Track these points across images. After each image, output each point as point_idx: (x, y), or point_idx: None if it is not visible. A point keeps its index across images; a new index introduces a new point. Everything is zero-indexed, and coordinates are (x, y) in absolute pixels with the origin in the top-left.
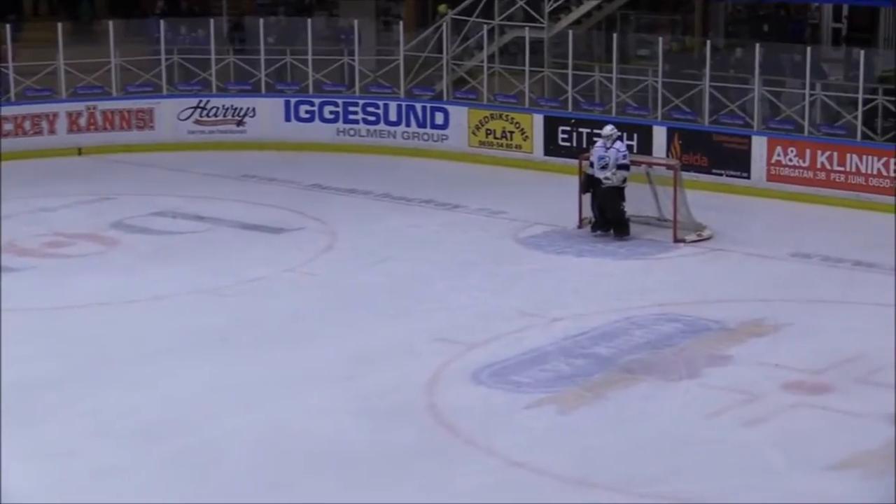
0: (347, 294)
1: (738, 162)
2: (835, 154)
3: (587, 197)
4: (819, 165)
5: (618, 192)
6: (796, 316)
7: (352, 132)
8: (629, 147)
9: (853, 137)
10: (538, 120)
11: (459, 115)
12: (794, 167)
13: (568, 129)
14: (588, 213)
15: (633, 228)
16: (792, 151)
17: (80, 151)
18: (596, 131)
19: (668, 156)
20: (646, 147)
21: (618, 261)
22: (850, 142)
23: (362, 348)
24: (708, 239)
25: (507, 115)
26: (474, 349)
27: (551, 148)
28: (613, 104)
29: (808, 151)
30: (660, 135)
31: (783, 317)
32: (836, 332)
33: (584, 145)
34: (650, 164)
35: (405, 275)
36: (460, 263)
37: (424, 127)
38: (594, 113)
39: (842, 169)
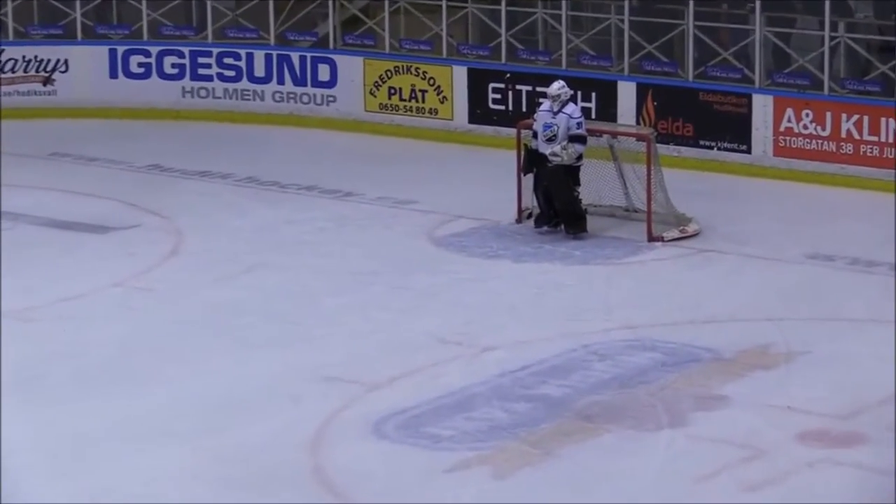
0: (199, 316)
1: (733, 130)
2: (865, 119)
3: (529, 180)
4: (844, 134)
5: (570, 174)
6: (814, 341)
7: (203, 92)
8: (585, 111)
9: (889, 96)
10: (460, 74)
11: (351, 69)
12: (810, 137)
13: (501, 86)
14: (530, 201)
15: (593, 222)
16: (807, 115)
17: None
18: (540, 90)
19: (638, 123)
20: (608, 111)
21: (572, 266)
22: (884, 102)
23: (220, 392)
24: (694, 236)
25: (417, 68)
26: (376, 391)
27: (478, 113)
28: (563, 52)
29: (828, 115)
30: (627, 94)
31: (796, 342)
32: (866, 363)
33: (525, 109)
34: (614, 135)
35: (279, 289)
36: (355, 273)
37: (303, 85)
38: (537, 64)
39: (874, 139)
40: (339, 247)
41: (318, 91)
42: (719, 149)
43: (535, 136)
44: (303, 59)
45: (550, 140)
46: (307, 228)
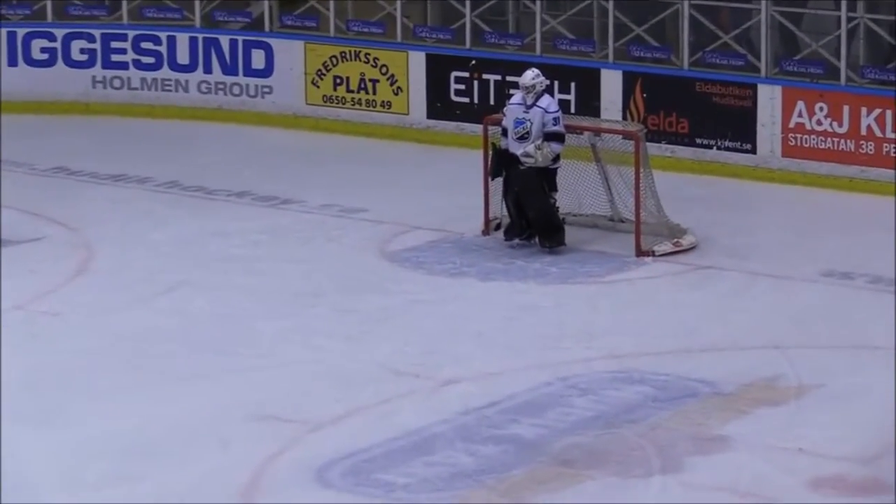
0: (111, 345)
1: (736, 126)
2: (888, 113)
3: (498, 185)
4: (864, 131)
5: (545, 178)
6: (829, 372)
7: (117, 83)
8: (563, 105)
9: None
10: (417, 61)
11: (291, 55)
12: (825, 134)
13: (465, 75)
14: (499, 210)
15: (572, 234)
16: (821, 109)
17: None
18: (511, 80)
19: (625, 118)
20: (590, 104)
21: (548, 286)
22: None
23: (136, 433)
24: (690, 250)
25: (367, 54)
26: (318, 431)
27: (439, 106)
28: (538, 35)
29: (845, 109)
30: (612, 83)
31: (809, 373)
32: (889, 398)
33: (493, 102)
34: (597, 132)
35: (205, 313)
36: (295, 294)
37: (234, 74)
38: (507, 50)
39: None
40: (275, 263)
41: (252, 81)
42: (719, 148)
43: (504, 133)
44: (233, 44)
45: (523, 138)
46: (238, 241)
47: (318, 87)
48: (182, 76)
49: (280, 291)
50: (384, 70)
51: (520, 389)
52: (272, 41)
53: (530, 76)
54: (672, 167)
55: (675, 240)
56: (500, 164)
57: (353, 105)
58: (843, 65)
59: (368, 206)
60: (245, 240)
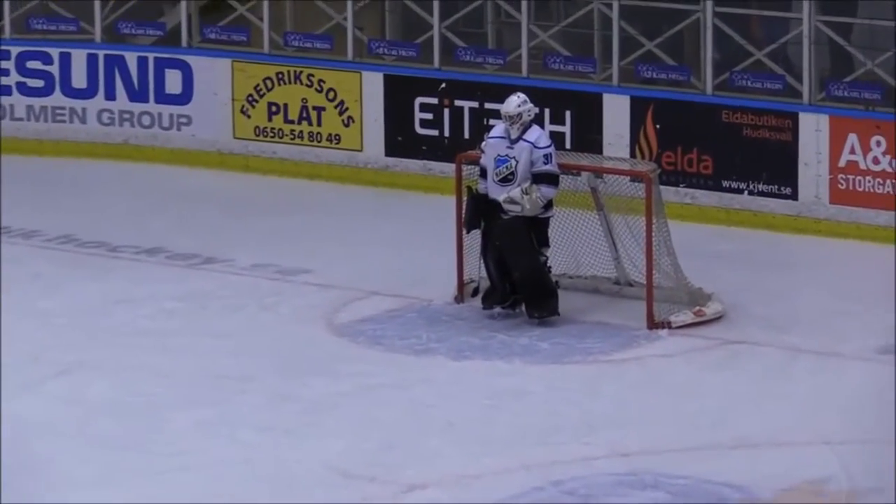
0: None
1: (772, 166)
2: None
3: (476, 239)
4: None
5: (534, 230)
6: (888, 473)
7: None
8: (557, 139)
9: None
10: (373, 84)
11: (214, 77)
12: (883, 175)
13: (433, 102)
14: (477, 271)
15: (567, 301)
16: (878, 144)
17: None
18: (491, 107)
19: (633, 155)
20: (590, 137)
21: (537, 366)
22: None
23: None
24: (715, 320)
25: (310, 76)
26: None
27: (400, 141)
28: (524, 52)
29: None
30: (617, 112)
31: (864, 475)
32: None
33: (468, 136)
34: (599, 172)
35: (108, 400)
36: (219, 376)
37: (143, 100)
38: (486, 71)
39: None
40: (195, 338)
41: (166, 109)
42: (752, 193)
43: (483, 174)
44: (142, 63)
45: (506, 180)
46: (148, 311)
47: (248, 116)
48: (78, 103)
49: (200, 373)
50: (331, 95)
51: (502, 496)
52: (191, 59)
53: (515, 103)
54: (693, 217)
55: (697, 308)
56: (478, 212)
57: (293, 139)
58: None
59: (312, 266)
60: (157, 309)
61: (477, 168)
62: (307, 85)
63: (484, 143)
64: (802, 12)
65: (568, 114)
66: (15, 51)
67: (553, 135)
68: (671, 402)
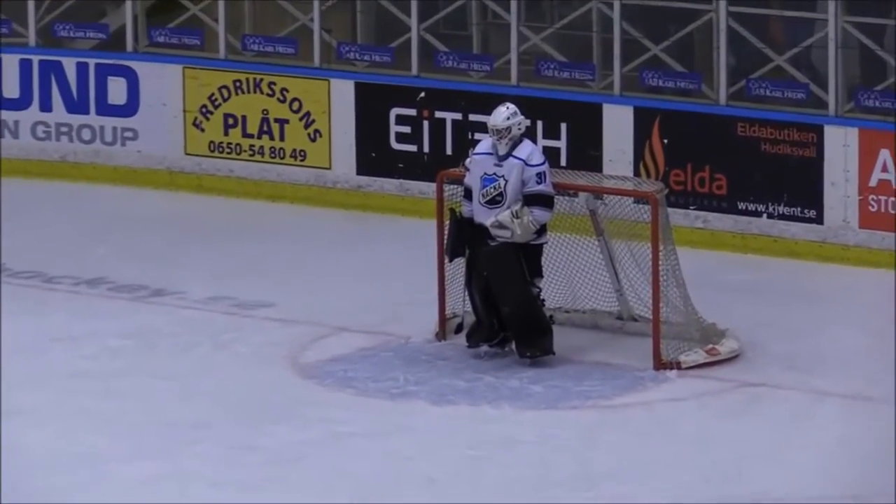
0: None
1: (795, 185)
2: None
3: (459, 268)
4: None
5: (526, 258)
6: None
7: None
8: (551, 155)
9: None
10: (343, 93)
11: (163, 85)
12: None
13: (412, 113)
14: (461, 304)
15: (563, 338)
16: None
17: None
18: (477, 119)
19: (637, 173)
20: (588, 153)
21: (529, 412)
22: None
23: None
24: (730, 360)
25: (271, 83)
26: None
27: (374, 157)
28: (514, 56)
29: None
30: (619, 125)
31: None
32: None
33: (450, 151)
34: (599, 193)
35: (45, 450)
36: (169, 424)
37: (83, 112)
38: (471, 78)
39: None
40: (142, 381)
41: (109, 122)
42: (771, 216)
43: (468, 195)
44: (82, 70)
45: (494, 202)
46: (89, 350)
47: (202, 130)
48: (10, 115)
49: (148, 421)
50: (296, 106)
51: None
52: (137, 65)
53: (504, 115)
54: (705, 243)
55: (710, 346)
56: (462, 239)
57: (253, 156)
58: None
59: (275, 298)
60: (99, 347)
61: (461, 188)
62: (268, 94)
63: (468, 161)
64: (828, 12)
65: (563, 127)
66: None
67: (547, 150)
68: (681, 453)
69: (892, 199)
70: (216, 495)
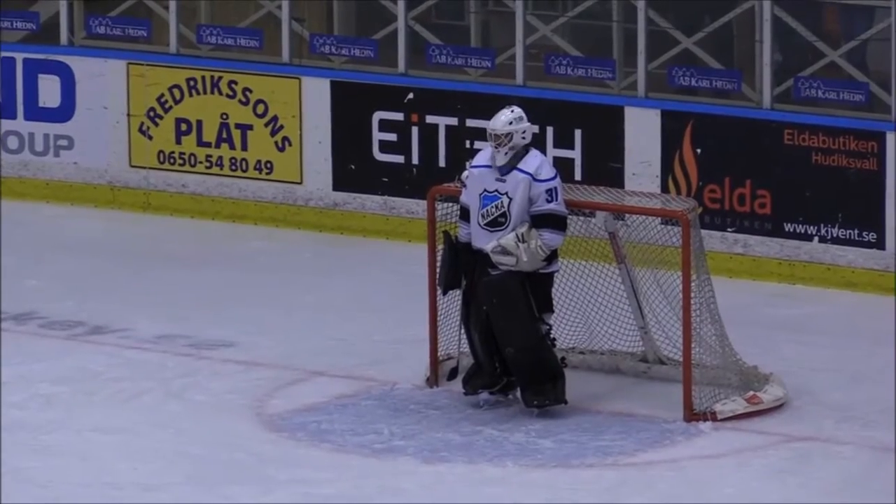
0: None
1: (851, 203)
2: None
3: (455, 302)
4: None
5: (534, 291)
6: None
7: None
8: (563, 167)
9: None
10: (317, 94)
11: (104, 85)
12: None
13: (398, 118)
14: (456, 345)
15: (577, 384)
16: None
17: None
18: (475, 125)
19: (665, 189)
20: (607, 164)
21: (538, 471)
22: None
23: None
24: (776, 409)
25: (232, 83)
26: None
27: (353, 170)
28: (519, 51)
29: None
30: (644, 131)
31: None
32: None
33: (443, 163)
34: (620, 213)
35: None
36: (113, 485)
37: (9, 117)
38: (469, 77)
39: None
40: (79, 435)
41: (39, 128)
42: (823, 240)
43: (465, 216)
44: (8, 66)
45: (496, 224)
46: (17, 397)
47: (149, 137)
48: None
49: (87, 483)
50: (261, 109)
51: None
52: (73, 61)
53: (505, 119)
54: (745, 271)
55: (751, 394)
56: (458, 267)
57: (210, 168)
58: None
59: (236, 337)
60: (29, 395)
61: (456, 207)
62: (228, 95)
63: (466, 174)
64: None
65: (578, 134)
66: None
67: (558, 162)
68: None
69: None
70: None
